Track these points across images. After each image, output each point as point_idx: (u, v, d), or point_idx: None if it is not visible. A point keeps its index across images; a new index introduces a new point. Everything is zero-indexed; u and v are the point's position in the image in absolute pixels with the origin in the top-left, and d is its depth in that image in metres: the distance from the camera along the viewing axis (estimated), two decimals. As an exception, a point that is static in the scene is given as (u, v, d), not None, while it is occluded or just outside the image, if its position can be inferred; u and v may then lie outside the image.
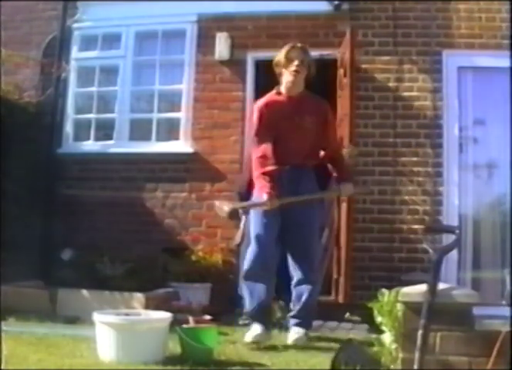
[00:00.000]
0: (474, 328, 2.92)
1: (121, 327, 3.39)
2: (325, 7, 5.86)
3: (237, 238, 4.70)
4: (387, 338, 3.17)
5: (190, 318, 4.22)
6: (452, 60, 5.61)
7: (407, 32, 5.72)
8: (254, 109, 4.41)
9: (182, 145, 6.09)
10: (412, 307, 2.93)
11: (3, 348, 3.08)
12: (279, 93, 4.28)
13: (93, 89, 6.44)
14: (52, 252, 5.87)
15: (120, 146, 6.23)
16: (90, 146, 6.37)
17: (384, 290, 3.25)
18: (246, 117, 5.88)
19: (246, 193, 4.36)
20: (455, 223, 5.29)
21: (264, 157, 4.11)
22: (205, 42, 6.12)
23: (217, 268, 5.57)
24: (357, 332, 4.61)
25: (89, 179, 6.18)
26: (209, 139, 6.01)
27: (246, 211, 4.33)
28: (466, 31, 5.60)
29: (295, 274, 4.21)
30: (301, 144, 4.21)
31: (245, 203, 4.32)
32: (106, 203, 6.04)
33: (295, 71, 4.16)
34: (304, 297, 4.16)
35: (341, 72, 5.62)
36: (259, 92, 5.31)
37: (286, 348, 3.97)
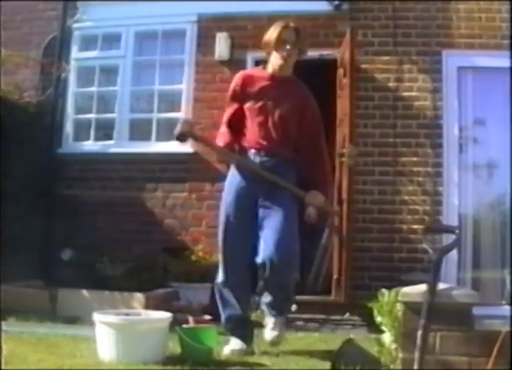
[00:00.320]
0: (474, 328, 2.92)
1: (121, 327, 3.39)
2: (325, 7, 5.86)
3: None
4: (387, 337, 3.17)
5: (190, 318, 4.23)
6: (452, 60, 5.61)
7: (407, 32, 5.72)
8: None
9: (182, 145, 6.07)
10: (412, 307, 2.93)
11: (3, 348, 3.08)
12: (264, 69, 3.95)
13: (93, 89, 6.44)
14: (52, 252, 5.87)
15: (120, 146, 6.22)
16: (90, 146, 6.37)
17: (384, 290, 3.26)
18: (246, 117, 5.87)
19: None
20: (455, 223, 5.28)
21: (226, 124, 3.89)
22: (205, 41, 6.12)
23: (217, 268, 5.56)
24: (357, 332, 4.61)
25: (89, 179, 6.18)
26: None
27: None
28: (466, 31, 5.60)
29: (265, 253, 3.62)
30: (272, 128, 3.78)
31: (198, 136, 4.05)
32: (106, 203, 6.04)
33: (286, 55, 3.81)
34: (274, 279, 3.63)
35: (341, 72, 5.62)
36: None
37: (285, 348, 3.97)
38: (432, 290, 2.85)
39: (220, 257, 3.85)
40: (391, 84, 5.72)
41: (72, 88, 6.45)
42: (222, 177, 5.92)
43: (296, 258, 3.71)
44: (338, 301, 5.19)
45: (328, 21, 5.88)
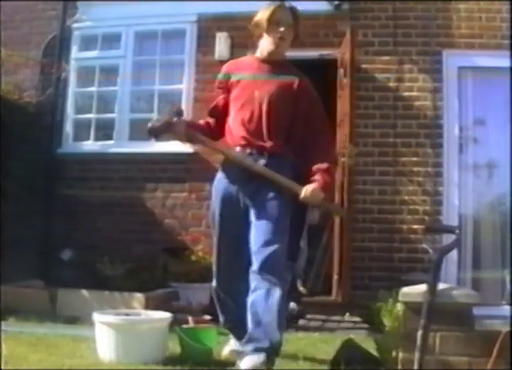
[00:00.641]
0: (474, 328, 2.91)
1: (121, 327, 3.39)
2: (325, 7, 5.86)
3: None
4: (387, 338, 3.17)
5: (190, 318, 4.22)
6: (452, 60, 5.61)
7: (407, 32, 5.72)
8: None
9: (182, 145, 6.07)
10: (412, 307, 2.93)
11: (3, 348, 3.08)
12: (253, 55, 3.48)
13: (93, 89, 6.44)
14: (52, 252, 5.87)
15: (120, 146, 6.23)
16: (90, 146, 6.37)
17: (384, 291, 3.25)
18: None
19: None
20: (455, 223, 5.29)
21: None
22: (205, 41, 6.12)
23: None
24: (357, 332, 4.61)
25: (89, 179, 6.18)
26: (209, 139, 6.00)
27: None
28: (466, 31, 5.60)
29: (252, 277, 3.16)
30: (261, 119, 3.27)
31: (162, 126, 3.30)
32: (106, 203, 6.04)
33: (280, 38, 3.32)
34: (260, 308, 3.08)
35: (341, 72, 5.62)
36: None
37: (285, 348, 3.97)
38: (433, 290, 2.84)
39: (213, 264, 3.54)
40: (391, 84, 5.72)
41: (72, 88, 6.46)
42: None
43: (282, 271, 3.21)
44: (338, 301, 5.19)
45: (328, 21, 5.88)
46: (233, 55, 6.02)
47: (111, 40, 6.45)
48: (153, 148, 6.14)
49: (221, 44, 6.04)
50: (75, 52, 6.47)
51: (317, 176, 3.21)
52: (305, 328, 4.73)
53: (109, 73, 6.48)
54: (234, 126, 3.33)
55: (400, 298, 3.02)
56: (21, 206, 5.79)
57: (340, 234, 5.29)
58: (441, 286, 2.95)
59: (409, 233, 5.50)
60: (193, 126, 3.42)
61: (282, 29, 3.31)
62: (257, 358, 2.99)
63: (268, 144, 3.26)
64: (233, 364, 3.42)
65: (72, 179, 6.23)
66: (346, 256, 5.17)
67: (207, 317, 4.43)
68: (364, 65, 5.74)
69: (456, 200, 5.48)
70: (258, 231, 3.19)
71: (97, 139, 6.39)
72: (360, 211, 5.54)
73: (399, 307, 3.07)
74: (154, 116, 6.24)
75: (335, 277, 5.30)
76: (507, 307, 4.42)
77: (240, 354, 3.21)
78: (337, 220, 5.38)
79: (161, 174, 6.08)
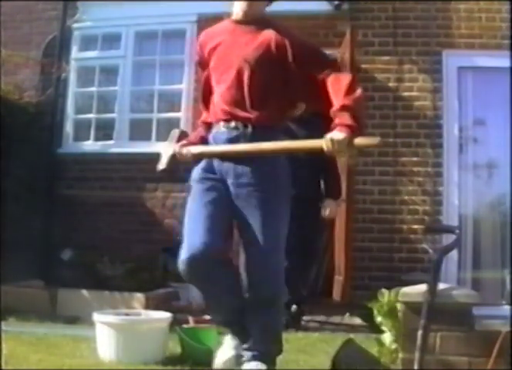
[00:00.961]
0: (474, 328, 2.92)
1: (121, 327, 3.39)
2: (325, 7, 5.86)
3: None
4: (387, 338, 3.17)
5: (190, 318, 4.22)
6: (452, 60, 5.61)
7: (407, 32, 5.72)
8: None
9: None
10: (412, 307, 2.93)
11: (3, 348, 3.08)
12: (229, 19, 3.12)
13: (93, 89, 6.45)
14: (52, 252, 5.87)
15: (120, 146, 6.23)
16: (90, 146, 6.38)
17: (384, 290, 3.25)
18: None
19: None
20: (455, 223, 5.29)
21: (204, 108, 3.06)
22: (205, 41, 6.11)
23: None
24: (357, 332, 4.61)
25: (89, 179, 6.18)
26: (209, 139, 6.00)
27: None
28: (466, 31, 5.60)
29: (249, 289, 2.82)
30: (241, 88, 2.81)
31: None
32: (106, 203, 6.04)
33: None
34: (259, 322, 2.85)
35: (341, 72, 5.62)
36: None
37: (285, 348, 3.97)
38: (433, 290, 2.84)
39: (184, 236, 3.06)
40: (391, 84, 5.72)
41: (72, 88, 6.46)
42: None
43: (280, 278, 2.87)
44: (338, 301, 5.19)
45: (328, 21, 5.88)
46: (233, 55, 6.03)
47: (111, 40, 6.45)
48: (153, 148, 6.14)
49: (221, 44, 6.03)
50: (75, 52, 6.47)
51: (337, 120, 2.60)
52: (305, 328, 4.73)
53: (109, 73, 6.49)
54: (216, 100, 2.91)
55: (400, 298, 3.02)
56: (21, 207, 5.79)
57: (346, 234, 5.27)
58: (441, 286, 2.95)
59: (409, 233, 5.50)
60: (193, 143, 3.11)
61: None
62: (255, 366, 2.83)
63: (253, 115, 2.80)
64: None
65: (72, 179, 6.23)
66: (346, 256, 5.16)
67: (207, 317, 4.42)
68: (364, 65, 5.73)
69: (456, 200, 5.48)
70: (252, 255, 2.77)
71: (97, 139, 6.40)
72: (360, 211, 5.53)
73: (399, 307, 3.06)
74: (154, 115, 6.28)
75: (339, 278, 5.27)
76: (507, 307, 4.42)
77: (238, 360, 2.92)
78: (337, 221, 5.37)
79: (161, 174, 6.06)
